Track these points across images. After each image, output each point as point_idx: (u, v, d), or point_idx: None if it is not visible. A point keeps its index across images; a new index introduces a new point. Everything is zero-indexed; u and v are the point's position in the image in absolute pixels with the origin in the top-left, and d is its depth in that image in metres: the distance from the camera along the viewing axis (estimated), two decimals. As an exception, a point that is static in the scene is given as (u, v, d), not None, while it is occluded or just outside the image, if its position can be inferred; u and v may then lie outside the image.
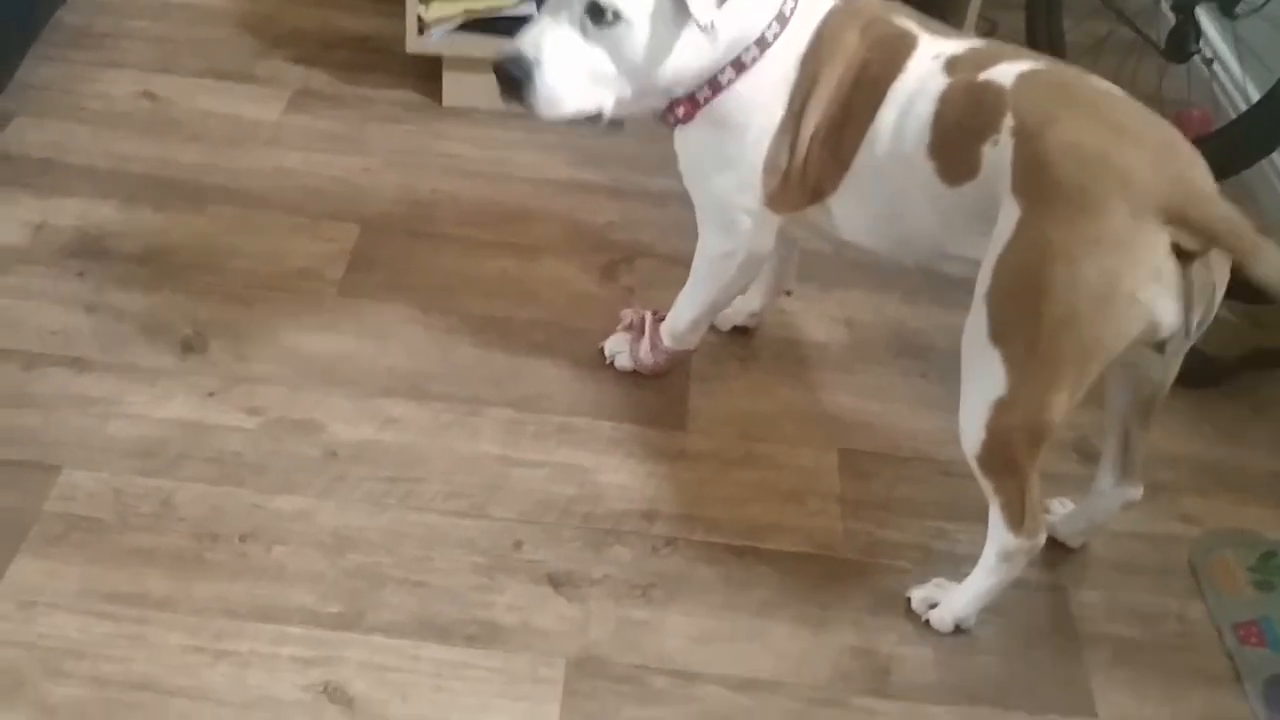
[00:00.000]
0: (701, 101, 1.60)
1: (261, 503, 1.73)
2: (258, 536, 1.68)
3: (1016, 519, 1.53)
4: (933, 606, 1.66)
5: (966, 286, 1.48)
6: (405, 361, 1.96)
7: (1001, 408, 1.44)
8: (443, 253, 2.16)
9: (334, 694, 1.52)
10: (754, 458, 1.86)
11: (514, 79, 1.51)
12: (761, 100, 1.59)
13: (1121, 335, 1.37)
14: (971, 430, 1.49)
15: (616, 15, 1.48)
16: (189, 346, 1.94)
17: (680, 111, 1.63)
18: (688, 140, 1.68)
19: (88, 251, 2.08)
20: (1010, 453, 1.48)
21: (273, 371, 1.91)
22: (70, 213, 2.16)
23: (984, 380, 1.45)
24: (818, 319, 2.11)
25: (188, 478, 1.75)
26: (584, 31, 1.49)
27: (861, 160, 1.57)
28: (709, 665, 1.60)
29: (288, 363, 1.93)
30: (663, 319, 1.92)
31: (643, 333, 1.94)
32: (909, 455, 1.90)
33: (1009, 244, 1.40)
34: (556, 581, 1.68)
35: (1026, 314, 1.39)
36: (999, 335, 1.42)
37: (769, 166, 1.62)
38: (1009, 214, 1.41)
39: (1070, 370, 1.40)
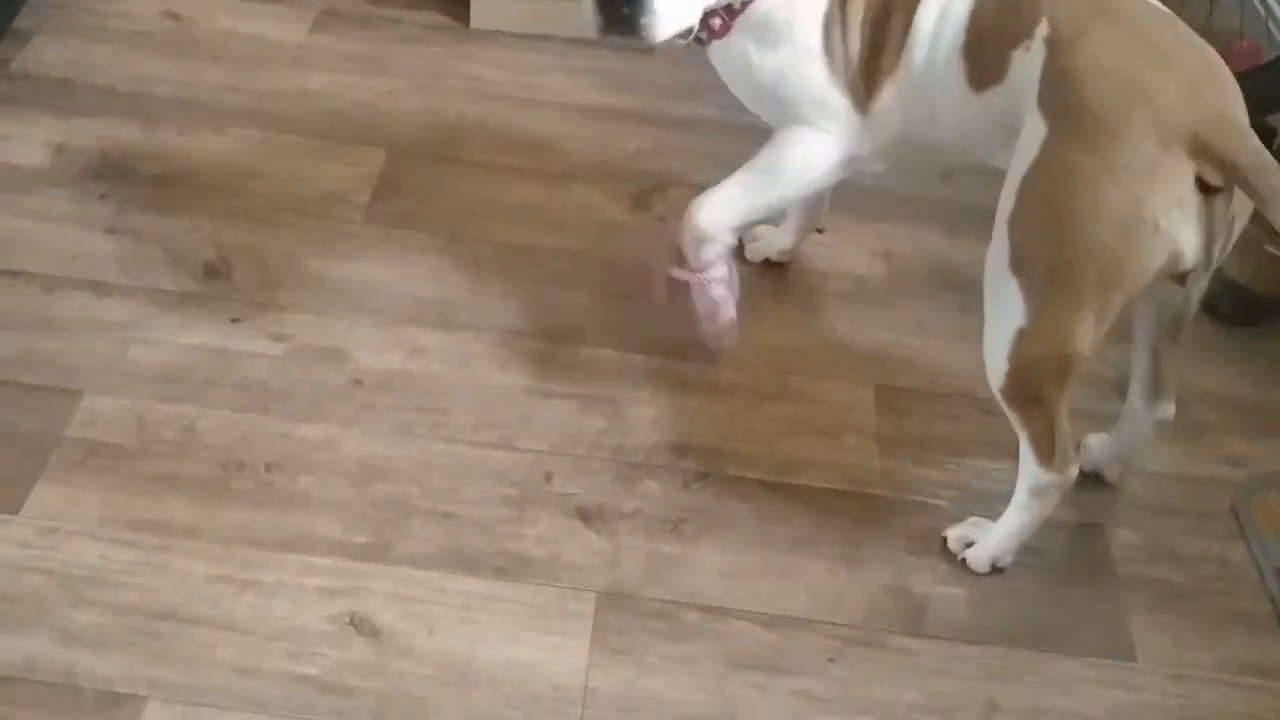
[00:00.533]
0: (739, 6, 1.51)
1: (287, 431, 1.70)
2: (283, 465, 1.66)
3: (1046, 453, 1.49)
4: (969, 545, 1.63)
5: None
6: (432, 290, 1.92)
7: (1024, 338, 1.40)
8: (469, 179, 2.11)
9: (360, 625, 1.49)
10: (788, 392, 1.82)
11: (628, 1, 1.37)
12: None
13: (1144, 266, 1.33)
14: (995, 362, 1.45)
15: None
16: (212, 271, 1.90)
17: (716, 24, 1.53)
18: (730, 55, 1.59)
19: (109, 173, 2.04)
20: (1035, 385, 1.44)
21: (298, 298, 1.88)
22: (91, 134, 2.11)
23: (1006, 310, 1.40)
24: (855, 251, 2.06)
25: (212, 405, 1.72)
26: None
27: (902, 64, 1.51)
28: (740, 601, 1.57)
29: (313, 289, 1.89)
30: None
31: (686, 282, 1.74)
32: (947, 391, 1.86)
33: (1033, 166, 1.35)
34: (586, 515, 1.65)
35: (1048, 241, 1.35)
36: (1020, 263, 1.38)
37: (829, 46, 1.53)
38: (1034, 131, 1.36)
39: (1092, 300, 1.35)
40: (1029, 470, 1.53)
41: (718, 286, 1.71)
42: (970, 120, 1.48)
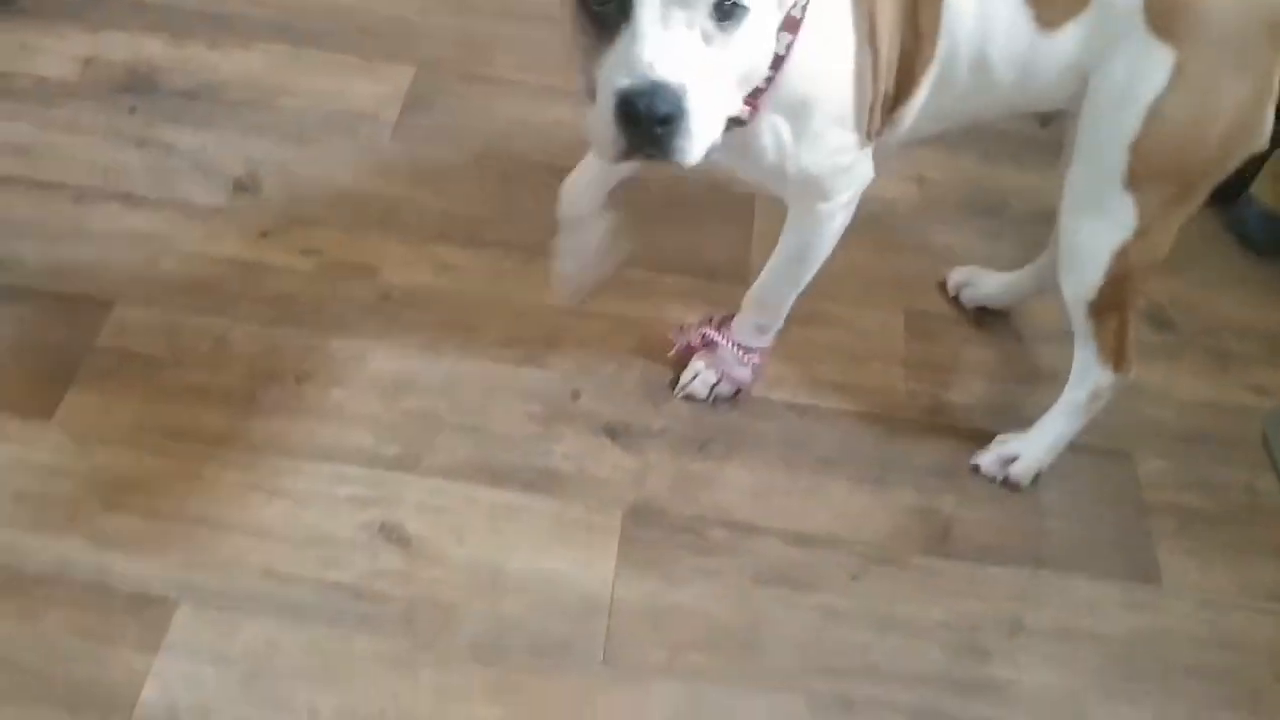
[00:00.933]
0: (766, 85, 1.29)
1: (317, 344, 1.70)
2: (313, 377, 1.66)
3: (1118, 355, 1.53)
4: (1010, 463, 1.63)
5: (1048, 146, 1.42)
6: (461, 207, 1.91)
7: (1128, 251, 1.42)
8: (499, 97, 2.10)
9: (390, 533, 1.51)
10: (818, 316, 1.81)
11: (663, 120, 1.11)
12: (830, 45, 1.33)
13: (1244, 159, 1.40)
14: (1089, 277, 1.46)
15: (739, 6, 1.14)
16: (241, 185, 1.90)
17: (746, 112, 1.31)
18: (760, 133, 1.37)
19: (138, 87, 2.03)
20: (1125, 292, 1.47)
21: (326, 214, 1.87)
22: (120, 47, 2.10)
23: (1111, 226, 1.42)
24: (888, 176, 1.99)
25: (242, 317, 1.72)
26: (707, 38, 1.14)
27: (943, 42, 1.40)
28: (766, 519, 1.58)
29: (341, 205, 1.89)
30: (729, 319, 1.69)
31: (716, 344, 1.69)
32: (978, 318, 1.85)
33: (1168, 90, 1.33)
34: (614, 432, 1.65)
35: (1179, 160, 1.37)
36: (1139, 180, 1.38)
37: (860, 104, 1.38)
38: (1152, 56, 1.33)
39: (1198, 203, 1.41)
40: (1091, 375, 1.55)
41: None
42: (1036, 65, 1.41)
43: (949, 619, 1.50)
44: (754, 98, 1.29)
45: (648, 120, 1.10)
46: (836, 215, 1.50)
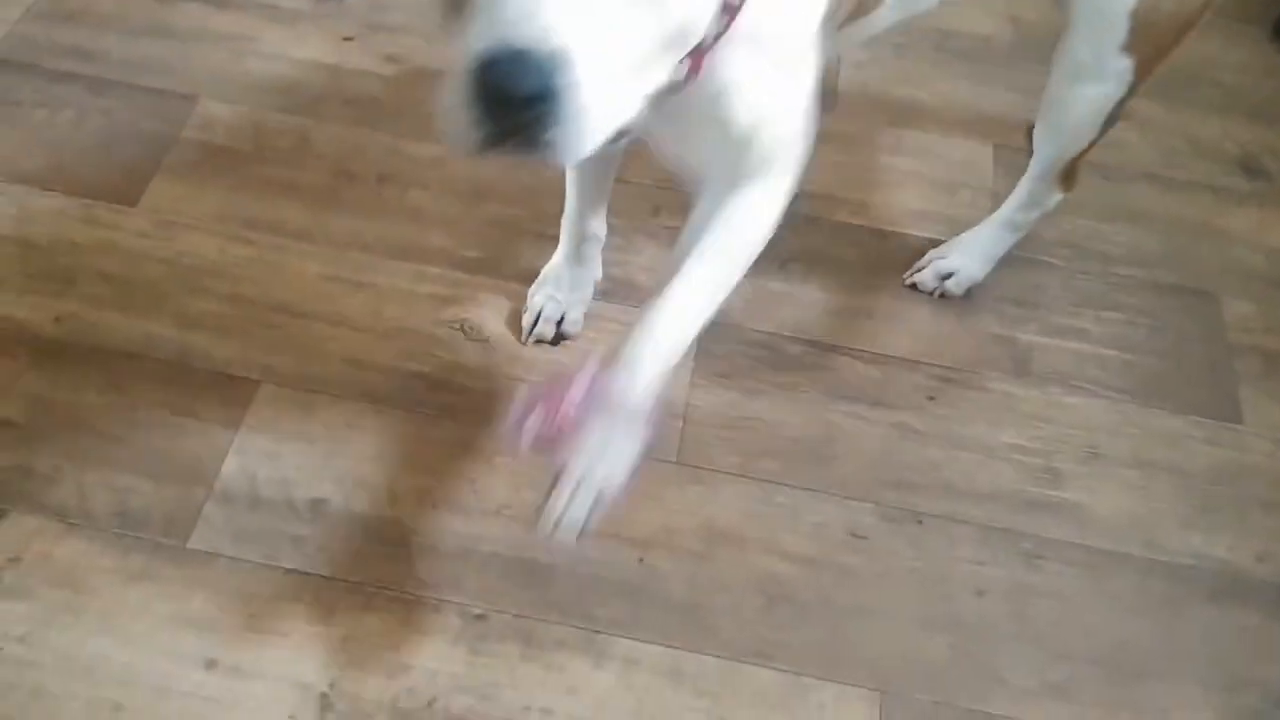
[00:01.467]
0: (711, 42, 0.96)
1: (398, 147, 1.69)
2: (394, 179, 1.66)
3: (1072, 179, 1.53)
4: (946, 278, 1.63)
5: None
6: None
7: (1114, 106, 1.42)
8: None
9: (470, 331, 1.51)
10: (905, 146, 1.78)
11: (532, 100, 0.78)
12: None
13: None
14: (1081, 137, 1.46)
15: None
16: (326, -9, 1.88)
17: (684, 73, 0.97)
18: (707, 95, 1.02)
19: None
20: (1095, 143, 1.47)
21: (409, 21, 1.85)
22: None
23: (1108, 88, 1.40)
24: (983, 13, 1.99)
25: (325, 118, 1.72)
26: None
27: None
28: (844, 339, 1.57)
29: (424, 14, 1.87)
30: (606, 367, 1.09)
31: (590, 414, 1.04)
32: (1066, 156, 1.81)
33: None
34: (693, 247, 1.64)
35: (1175, 20, 1.34)
36: (1138, 43, 1.36)
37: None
38: None
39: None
40: (1043, 199, 1.55)
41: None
42: None
43: (1024, 442, 1.49)
44: (700, 55, 0.96)
45: (506, 101, 0.78)
46: (780, 200, 1.15)
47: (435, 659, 1.25)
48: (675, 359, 1.14)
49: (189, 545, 1.30)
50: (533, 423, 1.01)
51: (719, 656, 1.28)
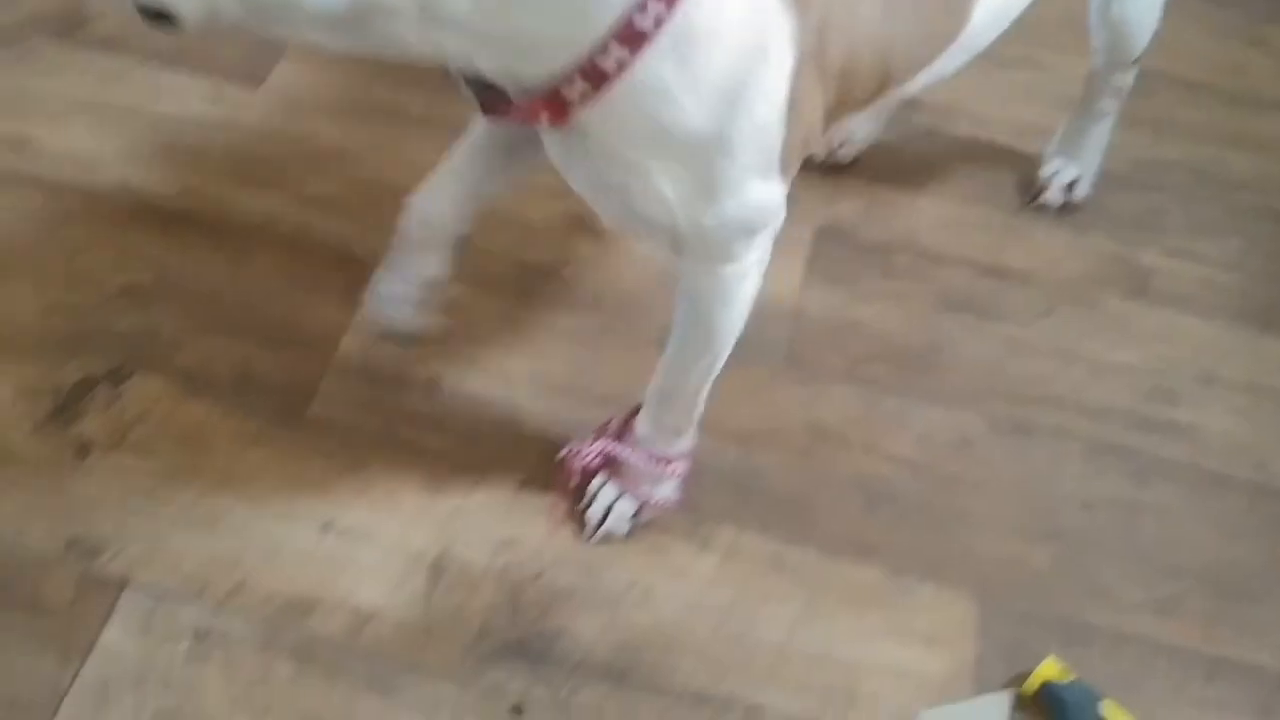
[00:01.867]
0: (614, 69, 0.83)
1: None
2: (513, 71, 1.67)
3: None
4: (1071, 186, 1.61)
5: None
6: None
7: None
8: None
9: (587, 226, 1.52)
10: (1028, 61, 1.75)
11: None
12: (738, 31, 0.86)
13: None
14: (1143, 39, 1.47)
15: None
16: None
17: (575, 91, 0.85)
18: (614, 126, 0.89)
19: None
20: None
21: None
22: None
23: None
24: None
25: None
26: None
27: None
28: (958, 249, 1.56)
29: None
30: (630, 421, 1.27)
31: (620, 459, 1.27)
32: (1196, 81, 1.77)
33: None
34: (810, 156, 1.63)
35: None
36: None
37: (793, 121, 0.95)
38: None
39: None
40: (1121, 84, 1.54)
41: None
42: None
43: (1139, 362, 1.47)
44: (599, 77, 0.83)
45: None
46: (749, 276, 1.07)
47: (542, 536, 1.27)
48: (682, 423, 1.24)
49: (308, 414, 1.34)
50: (586, 454, 1.26)
51: (819, 550, 1.29)
